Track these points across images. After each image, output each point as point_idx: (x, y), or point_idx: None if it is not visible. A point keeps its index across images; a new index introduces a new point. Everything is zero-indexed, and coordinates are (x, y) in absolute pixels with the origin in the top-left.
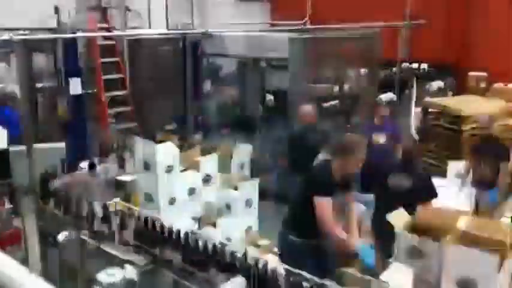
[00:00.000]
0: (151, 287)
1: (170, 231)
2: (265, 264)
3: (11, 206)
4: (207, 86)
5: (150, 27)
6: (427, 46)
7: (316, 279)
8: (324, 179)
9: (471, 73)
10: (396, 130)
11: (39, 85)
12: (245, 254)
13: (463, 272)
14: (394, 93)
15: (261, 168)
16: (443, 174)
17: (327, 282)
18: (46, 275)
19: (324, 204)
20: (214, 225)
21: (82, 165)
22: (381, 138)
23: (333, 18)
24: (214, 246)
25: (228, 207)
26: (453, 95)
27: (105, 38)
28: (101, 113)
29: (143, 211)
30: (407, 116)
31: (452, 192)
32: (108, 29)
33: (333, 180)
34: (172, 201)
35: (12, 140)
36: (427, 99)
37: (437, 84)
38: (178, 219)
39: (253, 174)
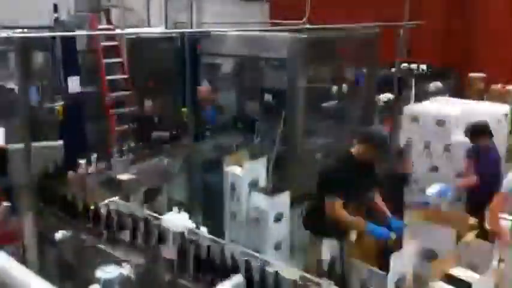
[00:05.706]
0: (148, 286)
1: (167, 231)
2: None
3: (10, 204)
4: (206, 85)
5: (149, 26)
6: (426, 47)
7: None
8: (338, 176)
9: (470, 74)
10: None
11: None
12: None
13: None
14: (392, 94)
15: None
16: None
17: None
18: (44, 273)
19: (333, 205)
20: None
21: (80, 163)
22: None
23: (332, 18)
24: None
25: None
26: (451, 95)
27: (108, 39)
28: (106, 114)
29: (143, 211)
30: None
31: None
32: (109, 30)
33: (350, 174)
34: None
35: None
36: None
37: (435, 85)
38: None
39: None
